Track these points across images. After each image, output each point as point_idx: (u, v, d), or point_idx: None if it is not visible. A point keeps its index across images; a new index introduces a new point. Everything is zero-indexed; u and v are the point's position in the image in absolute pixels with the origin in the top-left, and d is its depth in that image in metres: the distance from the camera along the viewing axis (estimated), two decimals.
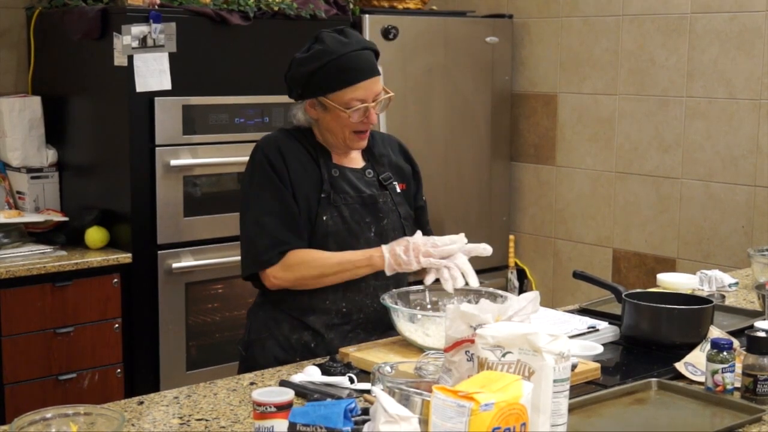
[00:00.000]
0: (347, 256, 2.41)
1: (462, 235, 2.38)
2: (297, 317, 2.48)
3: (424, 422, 1.58)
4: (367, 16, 4.26)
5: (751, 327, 2.45)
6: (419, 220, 2.67)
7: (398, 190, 2.57)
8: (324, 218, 2.43)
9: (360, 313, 2.48)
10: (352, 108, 2.41)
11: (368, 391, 1.97)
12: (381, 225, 2.51)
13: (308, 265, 2.41)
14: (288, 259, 2.40)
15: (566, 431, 1.69)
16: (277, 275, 2.41)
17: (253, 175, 2.48)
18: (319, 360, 2.27)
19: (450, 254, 2.35)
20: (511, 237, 4.96)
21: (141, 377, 3.69)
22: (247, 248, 2.46)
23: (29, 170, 3.85)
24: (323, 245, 2.42)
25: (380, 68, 2.50)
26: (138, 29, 3.54)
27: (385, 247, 2.38)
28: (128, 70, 3.55)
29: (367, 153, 2.58)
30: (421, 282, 2.48)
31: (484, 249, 2.39)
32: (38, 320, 3.45)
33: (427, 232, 2.68)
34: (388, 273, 2.38)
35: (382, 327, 2.44)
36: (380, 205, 2.52)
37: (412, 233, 2.56)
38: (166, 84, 3.62)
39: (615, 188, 4.60)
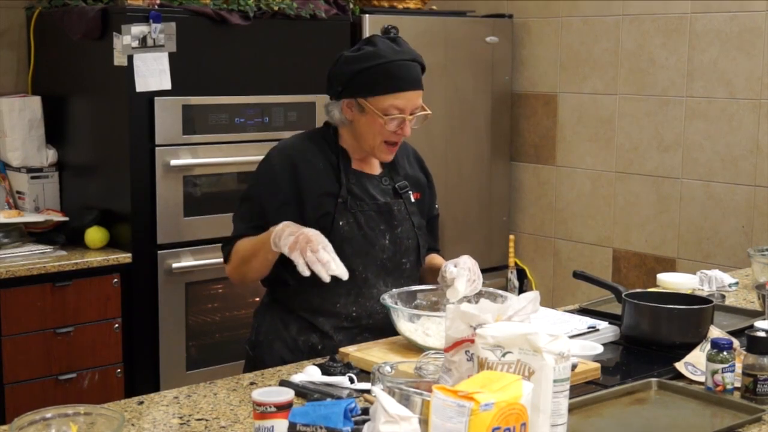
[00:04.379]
0: (258, 237, 2.41)
1: (345, 274, 2.26)
2: (306, 318, 2.48)
3: (424, 422, 1.58)
4: (367, 16, 4.25)
5: (751, 327, 2.46)
6: (430, 230, 2.68)
7: (413, 200, 2.57)
8: (341, 223, 2.44)
9: (369, 319, 2.48)
10: (389, 116, 2.39)
11: (368, 391, 1.97)
12: (395, 233, 2.51)
13: (237, 254, 2.48)
14: (232, 252, 2.50)
15: (566, 431, 1.70)
16: (227, 271, 2.55)
17: (253, 178, 2.54)
18: (319, 360, 2.27)
19: (315, 265, 2.22)
20: (511, 237, 4.92)
21: (141, 377, 3.69)
22: None
23: (29, 170, 3.85)
24: (339, 251, 2.38)
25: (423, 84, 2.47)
26: (138, 29, 3.54)
27: (284, 222, 2.33)
28: (128, 70, 3.55)
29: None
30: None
31: (340, 271, 2.26)
32: (38, 320, 3.45)
33: (434, 241, 2.70)
34: (272, 248, 2.31)
35: (389, 332, 2.42)
36: (395, 213, 2.52)
37: (425, 242, 2.58)
38: (166, 84, 3.63)
39: (615, 188, 4.60)
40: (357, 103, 2.43)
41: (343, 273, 2.25)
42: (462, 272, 2.38)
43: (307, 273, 2.23)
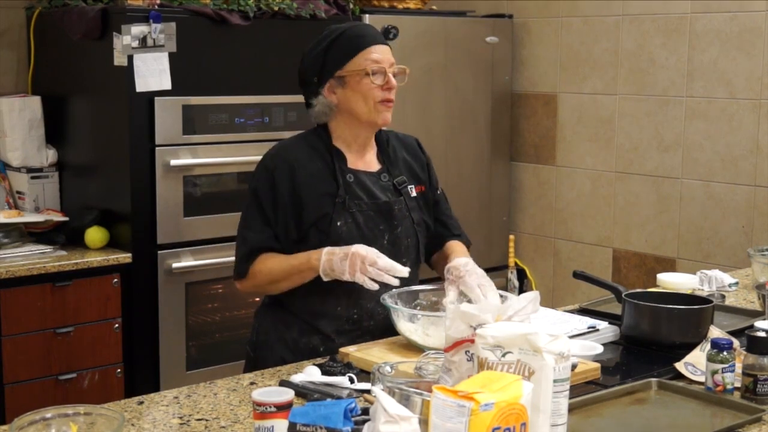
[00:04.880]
0: (292, 261, 2.41)
1: (407, 270, 2.33)
2: (307, 321, 2.47)
3: (424, 422, 1.58)
4: (367, 16, 4.26)
5: (751, 327, 2.46)
6: (441, 213, 2.66)
7: (413, 194, 2.56)
8: (339, 224, 2.43)
9: (371, 320, 2.48)
10: (369, 68, 2.42)
11: (368, 391, 1.97)
12: (394, 233, 2.50)
13: (262, 273, 2.45)
14: (251, 267, 2.46)
15: (566, 431, 1.70)
16: (240, 284, 2.51)
17: (252, 185, 2.51)
18: (319, 360, 2.27)
19: (383, 277, 2.29)
20: (511, 237, 4.92)
21: (141, 377, 3.69)
22: (235, 255, 2.53)
23: (29, 170, 3.85)
24: None
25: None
26: (138, 29, 3.54)
27: (325, 250, 2.35)
28: (128, 70, 3.55)
29: (383, 155, 2.57)
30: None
31: (402, 270, 2.32)
32: (38, 320, 3.45)
33: (449, 224, 2.67)
34: (324, 278, 2.35)
35: (391, 334, 2.42)
36: (395, 212, 2.50)
37: (424, 239, 2.57)
38: (166, 84, 3.63)
39: (615, 188, 4.60)
40: (336, 80, 2.45)
41: (405, 271, 2.31)
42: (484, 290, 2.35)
43: (376, 287, 2.29)
